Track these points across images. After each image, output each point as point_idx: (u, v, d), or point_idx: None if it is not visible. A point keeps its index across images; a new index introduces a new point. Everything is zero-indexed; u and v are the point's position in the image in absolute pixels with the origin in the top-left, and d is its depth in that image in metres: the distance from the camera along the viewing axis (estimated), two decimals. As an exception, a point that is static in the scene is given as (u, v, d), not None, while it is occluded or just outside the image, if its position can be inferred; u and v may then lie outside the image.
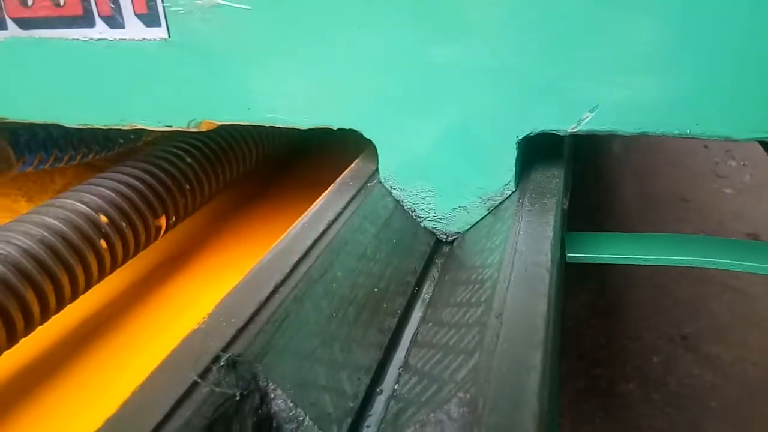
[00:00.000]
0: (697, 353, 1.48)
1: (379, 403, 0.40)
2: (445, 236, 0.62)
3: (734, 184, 2.19)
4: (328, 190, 0.58)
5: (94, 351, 0.70)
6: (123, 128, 0.66)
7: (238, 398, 0.33)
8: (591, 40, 0.48)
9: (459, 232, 0.62)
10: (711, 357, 1.46)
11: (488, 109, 0.54)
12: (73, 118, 0.67)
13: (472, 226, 0.60)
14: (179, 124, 0.63)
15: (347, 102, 0.58)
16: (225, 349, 0.35)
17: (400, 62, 0.54)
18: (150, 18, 0.58)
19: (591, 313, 1.57)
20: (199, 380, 0.32)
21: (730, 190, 2.15)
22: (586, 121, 0.51)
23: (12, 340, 0.59)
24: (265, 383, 0.35)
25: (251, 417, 0.34)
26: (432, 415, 0.33)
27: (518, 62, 0.51)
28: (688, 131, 0.49)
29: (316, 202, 0.55)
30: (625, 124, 0.51)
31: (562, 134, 0.53)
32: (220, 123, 0.63)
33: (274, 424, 0.35)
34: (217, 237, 0.94)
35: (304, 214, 0.52)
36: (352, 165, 0.65)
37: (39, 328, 0.63)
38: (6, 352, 0.59)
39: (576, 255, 0.57)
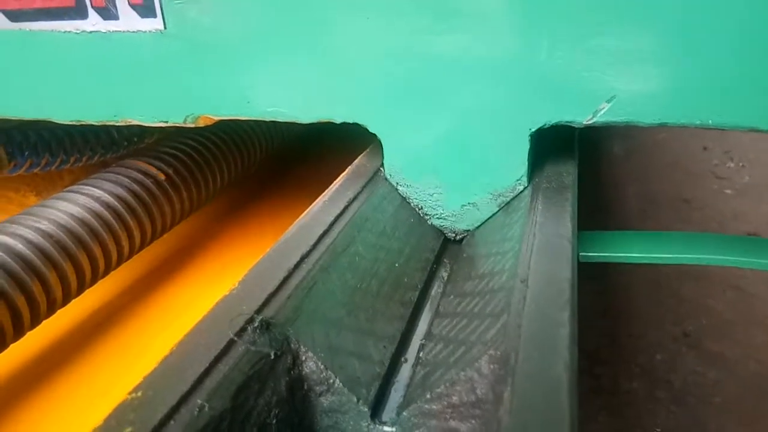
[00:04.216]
0: (700, 351, 1.48)
1: (404, 371, 0.41)
2: (453, 234, 0.61)
3: (734, 184, 2.21)
4: (344, 174, 0.59)
5: (95, 348, 0.69)
6: (117, 125, 0.64)
7: (272, 358, 0.34)
8: (608, 28, 0.48)
9: (468, 230, 0.60)
10: (714, 354, 1.46)
11: (500, 100, 0.53)
12: (65, 114, 0.64)
13: (482, 224, 0.59)
14: (176, 119, 0.61)
15: (351, 94, 0.56)
16: (258, 312, 0.35)
17: (405, 52, 0.53)
18: (145, 9, 0.57)
19: (593, 313, 1.58)
20: (235, 338, 0.33)
21: (730, 190, 2.17)
22: (602, 112, 0.51)
23: (18, 334, 0.59)
24: (297, 346, 0.36)
25: (284, 377, 0.34)
26: (462, 373, 0.33)
27: (531, 51, 0.50)
28: (710, 122, 0.48)
29: (333, 184, 0.56)
30: (644, 115, 0.50)
31: (577, 126, 0.52)
32: (218, 118, 0.61)
33: (305, 386, 0.36)
34: (219, 235, 0.94)
35: (323, 194, 0.53)
36: (361, 156, 0.65)
37: (41, 325, 0.63)
38: (11, 347, 0.58)
39: (588, 254, 0.56)
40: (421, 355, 0.42)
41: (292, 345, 0.36)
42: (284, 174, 1.16)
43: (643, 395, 1.36)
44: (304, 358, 0.36)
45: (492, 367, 0.32)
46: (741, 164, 2.36)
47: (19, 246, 0.59)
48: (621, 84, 0.49)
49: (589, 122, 0.51)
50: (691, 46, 0.47)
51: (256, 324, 0.34)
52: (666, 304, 1.60)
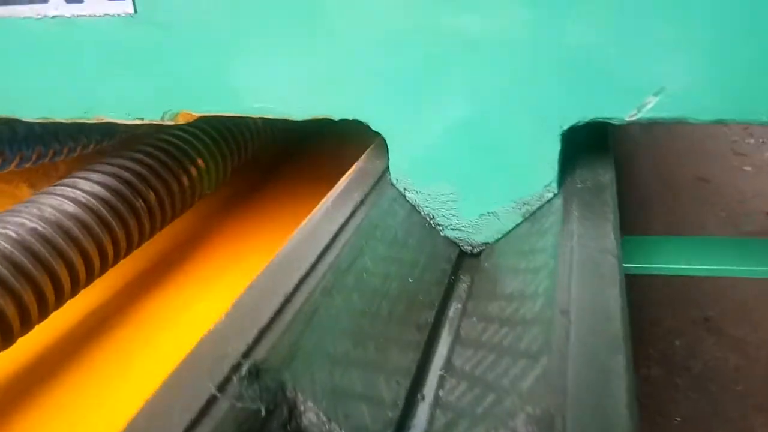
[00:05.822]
0: (721, 336, 1.45)
1: (422, 412, 0.35)
2: (470, 247, 0.54)
3: (754, 161, 2.16)
4: (347, 174, 0.52)
5: (92, 350, 0.67)
6: (89, 122, 0.58)
7: (263, 414, 0.28)
8: (656, 4, 0.40)
9: (487, 243, 0.53)
10: (735, 340, 1.44)
11: (525, 93, 0.46)
12: (30, 112, 0.59)
13: (503, 236, 0.52)
14: (152, 116, 0.55)
15: (350, 87, 0.49)
16: (246, 355, 0.30)
17: (414, 34, 0.46)
18: (112, -11, 0.51)
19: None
20: (217, 394, 0.27)
21: (750, 168, 2.11)
22: (648, 107, 0.43)
23: (9, 338, 0.56)
24: (294, 394, 0.30)
25: (279, 435, 0.29)
26: None
27: (562, 33, 0.43)
28: None
29: (337, 185, 0.49)
30: (698, 111, 0.42)
31: (618, 124, 0.44)
32: (200, 114, 0.55)
33: (305, 442, 0.30)
34: (218, 230, 0.91)
35: (326, 197, 0.47)
36: (365, 153, 0.57)
37: (37, 327, 0.60)
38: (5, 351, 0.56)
39: (631, 266, 0.49)
40: (440, 393, 0.36)
41: (288, 393, 0.30)
42: (285, 166, 1.11)
43: (663, 382, 1.33)
44: (302, 408, 0.30)
45: (530, 429, 0.26)
46: (761, 140, 2.30)
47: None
48: (671, 74, 0.41)
49: (633, 119, 0.43)
50: (755, 26, 0.39)
51: (243, 372, 0.28)
52: (685, 288, 1.56)
